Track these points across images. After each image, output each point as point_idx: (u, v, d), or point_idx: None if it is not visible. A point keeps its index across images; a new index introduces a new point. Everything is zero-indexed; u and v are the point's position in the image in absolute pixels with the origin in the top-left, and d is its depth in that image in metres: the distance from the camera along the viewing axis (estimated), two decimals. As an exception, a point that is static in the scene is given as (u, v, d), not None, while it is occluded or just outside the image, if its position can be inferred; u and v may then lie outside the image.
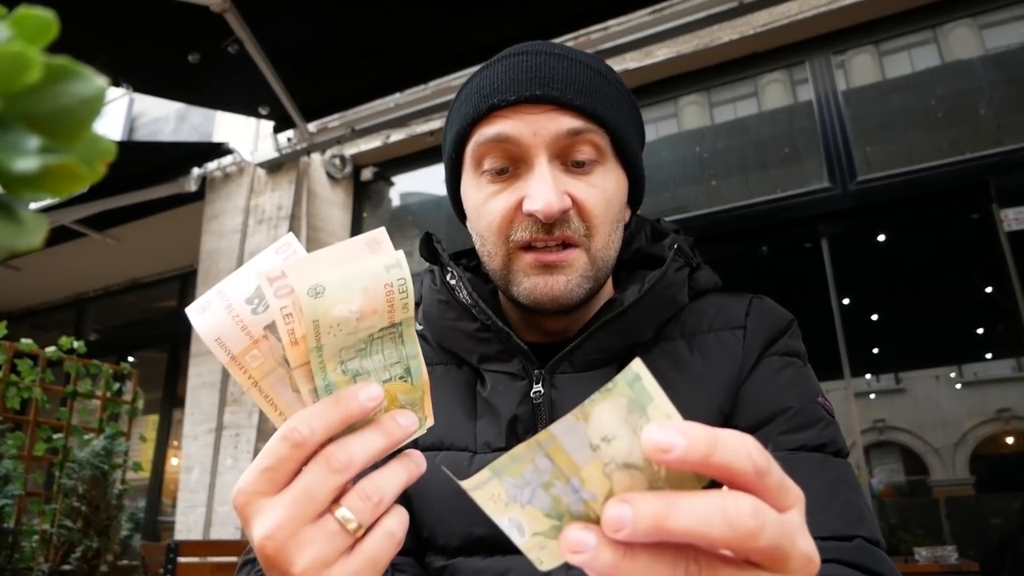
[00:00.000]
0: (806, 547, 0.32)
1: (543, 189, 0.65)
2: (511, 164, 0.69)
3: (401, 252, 0.39)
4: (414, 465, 0.44)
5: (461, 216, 0.81)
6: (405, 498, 0.73)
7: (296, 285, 0.37)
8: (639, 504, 0.30)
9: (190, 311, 0.40)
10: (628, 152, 0.73)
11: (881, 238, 4.02)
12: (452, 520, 0.69)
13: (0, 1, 0.21)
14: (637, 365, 0.32)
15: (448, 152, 0.76)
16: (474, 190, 0.72)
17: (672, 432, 0.30)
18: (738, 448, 0.31)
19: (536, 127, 0.67)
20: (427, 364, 0.81)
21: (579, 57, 0.72)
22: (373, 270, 0.38)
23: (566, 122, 0.67)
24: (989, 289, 4.82)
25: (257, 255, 0.42)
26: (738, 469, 0.30)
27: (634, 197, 0.78)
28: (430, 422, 0.46)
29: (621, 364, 0.72)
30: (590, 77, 0.70)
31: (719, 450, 0.30)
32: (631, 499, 0.31)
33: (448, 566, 0.70)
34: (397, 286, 0.39)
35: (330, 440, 0.40)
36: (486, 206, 0.70)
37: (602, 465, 0.32)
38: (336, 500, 0.40)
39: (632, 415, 0.32)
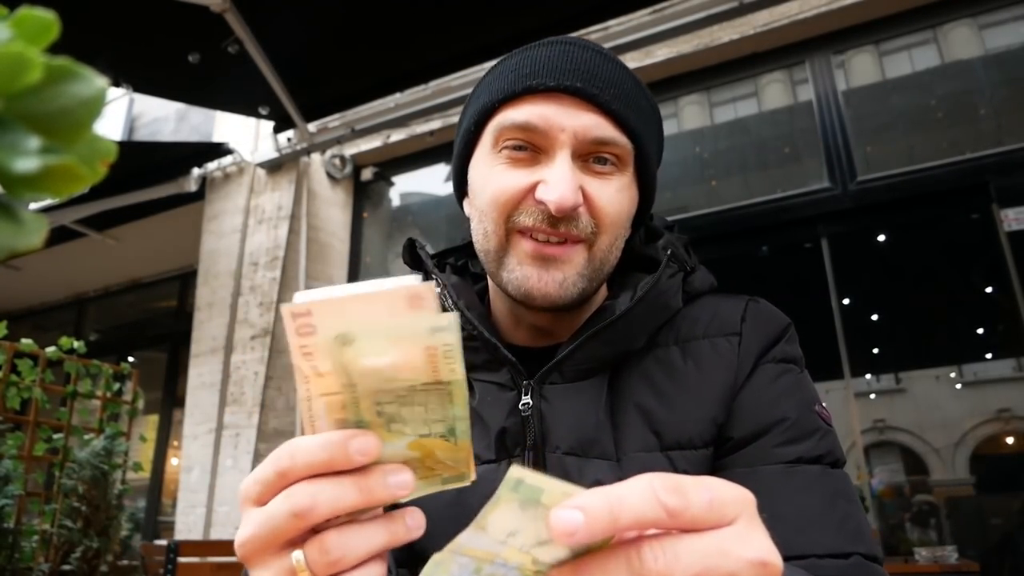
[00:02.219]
0: (753, 554, 0.31)
1: (561, 181, 0.63)
2: (532, 148, 0.67)
3: (454, 315, 0.34)
4: (402, 529, 0.41)
5: (461, 196, 0.78)
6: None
7: (321, 329, 0.34)
8: None
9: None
10: (647, 169, 0.72)
11: (881, 238, 4.02)
12: (442, 531, 0.68)
13: (1, 1, 0.21)
14: (515, 471, 0.32)
15: (467, 124, 0.73)
16: (486, 164, 0.70)
17: (571, 511, 0.30)
18: (643, 499, 0.30)
19: (566, 122, 0.65)
20: None
21: (621, 63, 0.71)
22: (413, 330, 0.34)
23: (597, 124, 0.66)
24: (989, 289, 4.82)
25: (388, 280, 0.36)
26: (650, 520, 0.30)
27: (640, 214, 0.76)
28: (473, 477, 0.43)
29: (613, 372, 0.70)
30: (631, 85, 0.69)
31: (624, 511, 0.30)
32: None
33: None
34: (442, 351, 0.35)
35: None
36: (496, 179, 0.68)
37: (517, 550, 0.33)
38: (314, 531, 0.38)
39: (528, 510, 0.32)
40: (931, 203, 2.98)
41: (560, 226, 0.65)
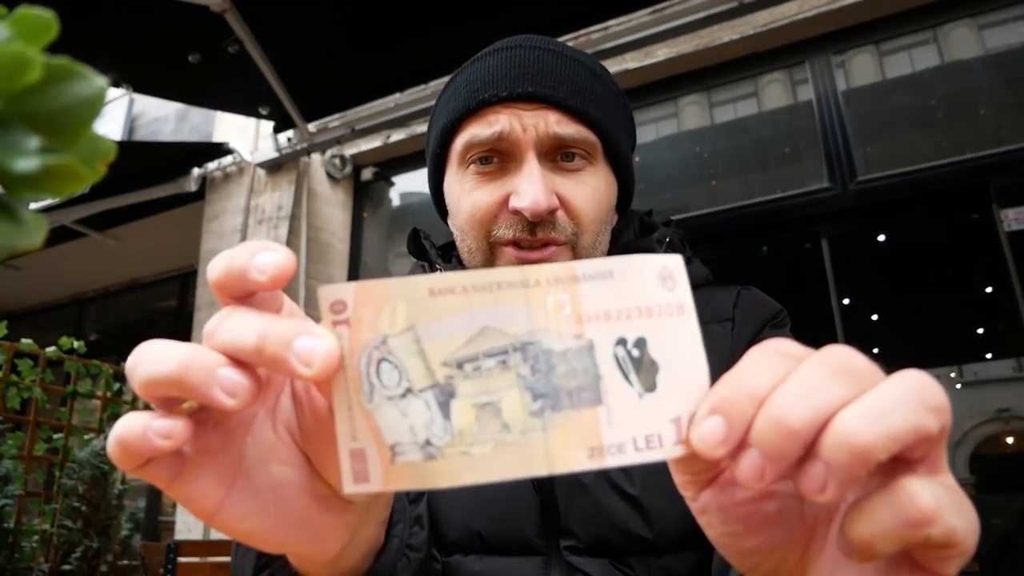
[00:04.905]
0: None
1: (531, 187, 0.64)
2: (498, 157, 0.68)
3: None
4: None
5: (442, 213, 0.79)
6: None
7: None
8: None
9: None
10: (618, 155, 0.71)
11: (881, 238, 4.01)
12: (451, 512, 0.68)
13: (1, 1, 0.21)
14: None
15: (433, 146, 0.74)
16: (458, 183, 0.70)
17: (707, 421, 0.26)
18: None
19: (526, 124, 0.66)
20: None
21: (573, 55, 0.71)
22: None
23: (556, 122, 0.66)
24: (989, 289, 4.81)
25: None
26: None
27: (622, 201, 0.76)
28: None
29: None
30: (584, 76, 0.69)
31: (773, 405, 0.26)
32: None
33: (444, 565, 0.68)
34: None
35: None
36: (469, 197, 0.68)
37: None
38: None
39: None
40: (931, 203, 2.98)
41: (539, 231, 0.65)
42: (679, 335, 0.29)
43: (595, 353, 0.28)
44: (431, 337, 0.27)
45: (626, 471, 0.66)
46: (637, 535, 0.63)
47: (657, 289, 0.29)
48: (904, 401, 0.24)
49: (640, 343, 0.28)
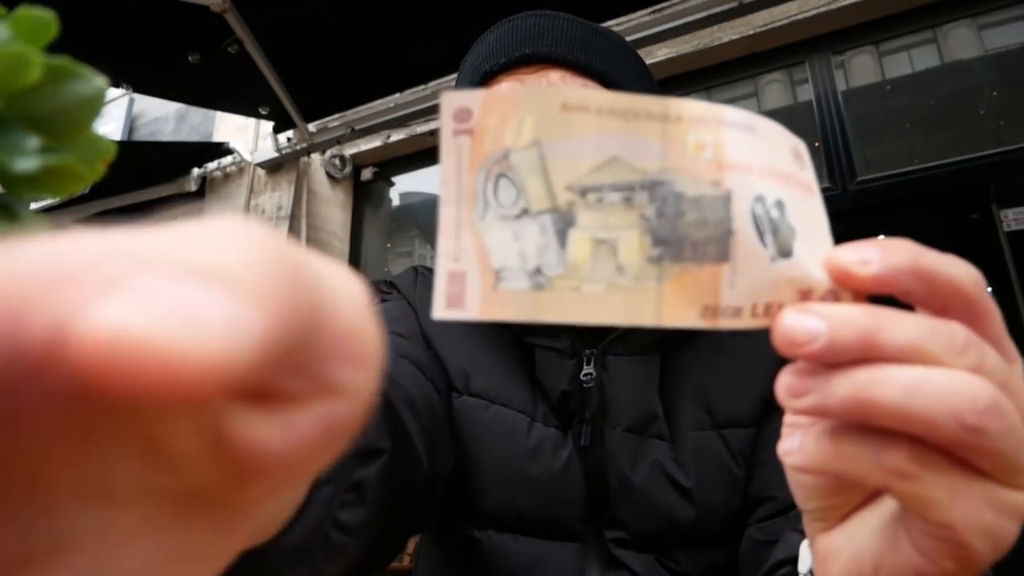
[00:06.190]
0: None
1: None
2: None
3: None
4: None
5: None
6: (456, 446, 0.67)
7: None
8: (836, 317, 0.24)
9: None
10: None
11: (881, 238, 4.02)
12: (493, 483, 0.65)
13: (1, 1, 0.21)
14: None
15: None
16: None
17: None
18: (946, 259, 0.25)
19: (528, 85, 0.66)
20: (477, 326, 0.73)
21: (572, 18, 0.71)
22: None
23: (560, 78, 0.66)
24: (989, 289, 4.82)
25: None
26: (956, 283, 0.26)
27: None
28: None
29: (665, 350, 0.68)
30: (583, 32, 0.69)
31: (924, 258, 0.25)
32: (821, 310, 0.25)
33: (477, 540, 0.65)
34: None
35: None
36: None
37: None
38: None
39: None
40: (931, 203, 2.98)
41: None
42: (811, 212, 0.27)
43: (732, 205, 0.25)
44: (557, 156, 0.24)
45: (681, 464, 0.65)
46: (686, 528, 0.63)
47: (791, 161, 0.28)
48: (942, 396, 0.23)
49: (779, 205, 0.26)
